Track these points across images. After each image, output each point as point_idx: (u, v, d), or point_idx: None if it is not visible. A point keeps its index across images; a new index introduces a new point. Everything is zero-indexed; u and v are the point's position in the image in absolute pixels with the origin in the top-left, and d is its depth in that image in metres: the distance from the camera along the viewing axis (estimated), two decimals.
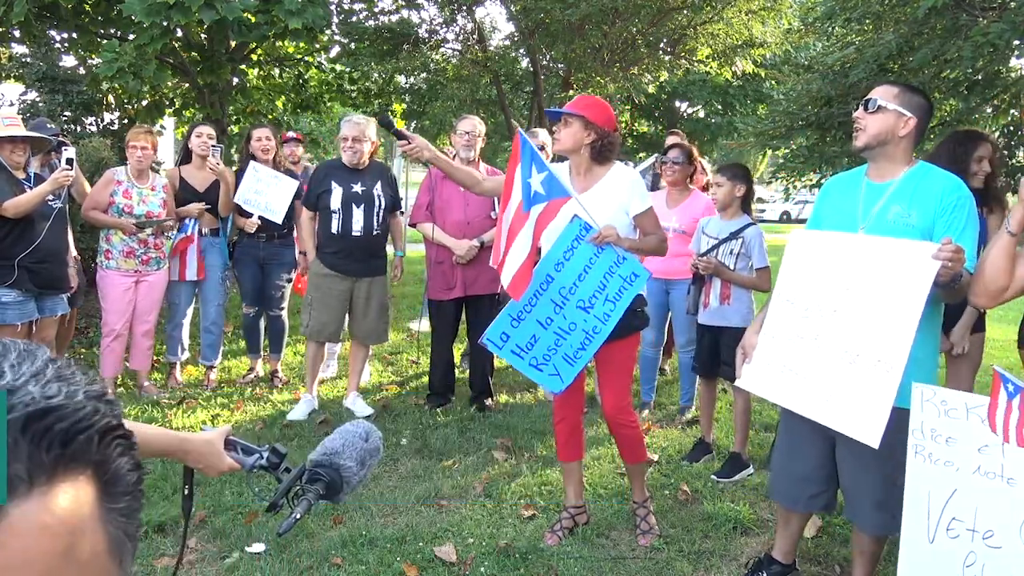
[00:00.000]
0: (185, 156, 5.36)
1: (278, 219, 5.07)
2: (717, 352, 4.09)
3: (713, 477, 3.91)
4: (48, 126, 5.07)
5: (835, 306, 2.44)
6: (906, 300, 2.24)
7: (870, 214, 2.50)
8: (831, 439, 2.55)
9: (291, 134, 6.36)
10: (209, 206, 5.14)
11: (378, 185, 4.68)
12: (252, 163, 5.14)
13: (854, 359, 2.35)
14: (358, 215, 4.60)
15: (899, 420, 2.23)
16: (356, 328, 4.82)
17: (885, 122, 2.46)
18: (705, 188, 5.08)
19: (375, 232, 4.68)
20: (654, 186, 5.41)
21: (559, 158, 3.50)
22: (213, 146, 5.08)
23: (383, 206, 4.70)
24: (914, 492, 2.26)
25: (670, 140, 5.59)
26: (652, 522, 3.34)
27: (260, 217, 5.10)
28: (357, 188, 4.61)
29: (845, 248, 2.47)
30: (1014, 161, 5.31)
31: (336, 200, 4.60)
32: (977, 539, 2.14)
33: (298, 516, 1.25)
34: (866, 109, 2.49)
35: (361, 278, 4.71)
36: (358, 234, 4.62)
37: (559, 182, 3.02)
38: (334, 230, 4.63)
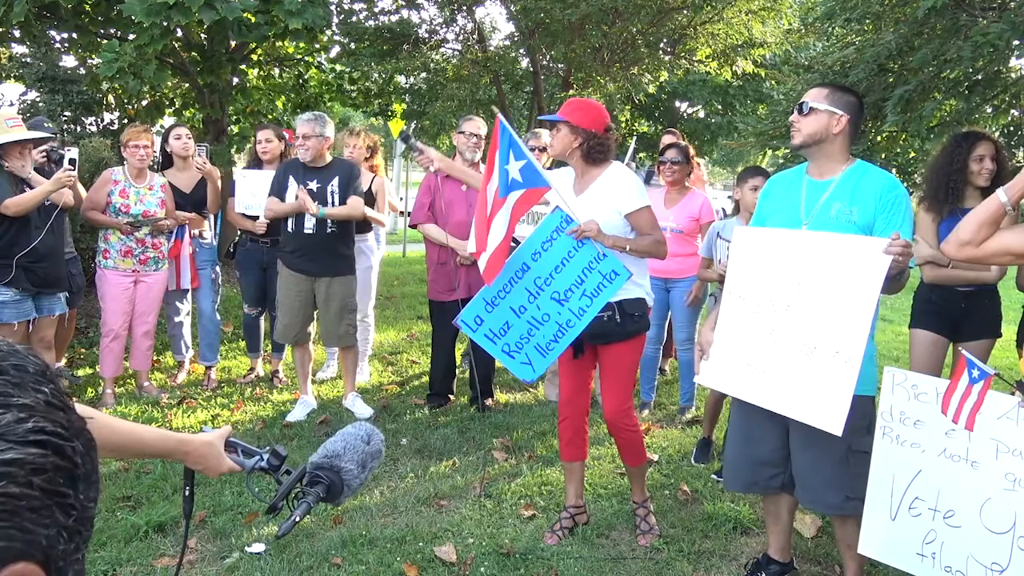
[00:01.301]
0: (165, 161, 5.38)
1: None
2: None
3: (713, 477, 3.91)
4: (46, 125, 5.08)
5: (788, 301, 2.50)
6: (861, 294, 2.31)
7: (813, 211, 2.60)
8: (784, 423, 2.62)
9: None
10: (192, 217, 5.18)
11: (334, 182, 4.56)
12: (238, 171, 5.17)
13: (811, 351, 2.41)
14: None
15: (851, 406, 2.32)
16: (321, 330, 4.79)
17: (818, 123, 2.58)
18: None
19: (329, 230, 4.57)
20: (647, 183, 5.39)
21: (558, 163, 3.51)
22: (198, 145, 5.14)
23: (338, 204, 4.56)
24: (879, 471, 2.34)
25: (666, 140, 5.58)
26: (652, 522, 3.34)
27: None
28: (312, 186, 4.54)
29: (793, 244, 2.54)
30: (1014, 161, 5.31)
31: (291, 198, 4.56)
32: (938, 518, 2.21)
33: (297, 518, 1.25)
34: (800, 113, 2.61)
35: (320, 277, 4.63)
36: (310, 231, 4.55)
37: (538, 170, 3.06)
38: (289, 228, 4.62)
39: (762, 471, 2.77)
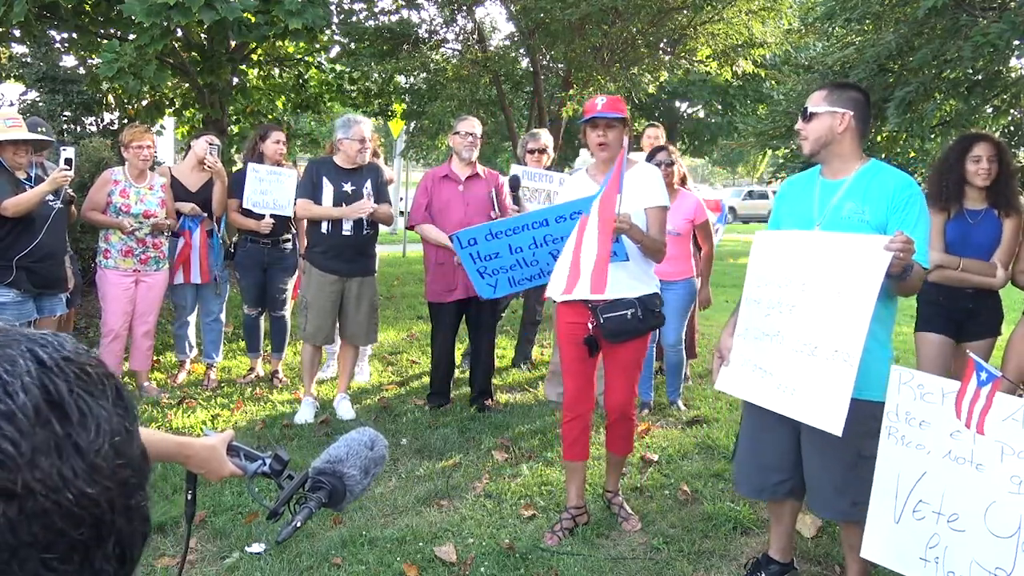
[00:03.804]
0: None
1: (288, 212, 5.08)
2: None
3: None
4: (39, 130, 5.05)
5: (793, 303, 2.51)
6: (860, 291, 2.30)
7: (825, 211, 2.59)
8: (795, 428, 2.61)
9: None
10: (204, 214, 5.18)
11: (367, 184, 4.62)
12: (251, 165, 5.17)
13: (813, 351, 2.41)
14: None
15: (857, 410, 2.30)
16: (346, 328, 4.79)
17: (821, 125, 2.58)
18: (683, 182, 5.02)
19: (365, 232, 4.65)
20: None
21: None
22: (211, 144, 5.17)
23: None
24: (884, 473, 2.32)
25: (649, 133, 5.57)
26: (628, 508, 3.49)
27: (271, 215, 5.12)
28: (347, 188, 4.58)
29: (801, 246, 2.54)
30: (1015, 161, 5.31)
31: (327, 200, 4.57)
32: (942, 522, 2.18)
33: (298, 524, 1.25)
34: (804, 120, 2.61)
35: (351, 278, 4.68)
36: (348, 233, 4.59)
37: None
38: (324, 230, 4.61)
39: (769, 476, 2.77)
